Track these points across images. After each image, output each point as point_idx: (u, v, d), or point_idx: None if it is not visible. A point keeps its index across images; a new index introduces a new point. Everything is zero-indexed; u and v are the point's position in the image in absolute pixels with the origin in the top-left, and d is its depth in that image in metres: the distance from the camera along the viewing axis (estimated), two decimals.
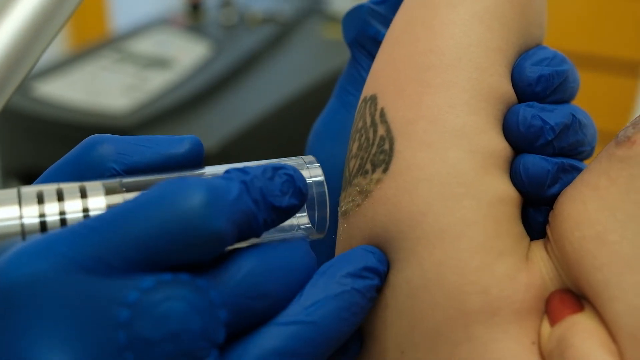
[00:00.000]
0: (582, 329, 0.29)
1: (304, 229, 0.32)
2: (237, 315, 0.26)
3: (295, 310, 0.28)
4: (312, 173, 0.32)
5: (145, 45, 1.53)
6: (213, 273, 0.27)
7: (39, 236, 0.26)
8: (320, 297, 0.28)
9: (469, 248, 0.30)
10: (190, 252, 0.26)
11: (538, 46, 0.36)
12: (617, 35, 1.78)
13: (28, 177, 1.28)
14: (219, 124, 1.25)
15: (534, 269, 0.31)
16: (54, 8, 0.37)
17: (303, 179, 0.29)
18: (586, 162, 0.36)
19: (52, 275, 0.24)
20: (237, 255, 0.28)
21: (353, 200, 0.34)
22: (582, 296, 0.30)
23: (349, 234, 0.34)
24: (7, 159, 1.35)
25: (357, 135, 0.35)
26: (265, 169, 0.29)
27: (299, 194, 0.29)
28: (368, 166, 0.33)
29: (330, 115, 0.41)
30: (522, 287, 0.30)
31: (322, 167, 0.33)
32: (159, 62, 1.44)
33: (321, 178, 0.32)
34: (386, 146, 0.33)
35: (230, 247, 0.28)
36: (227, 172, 0.28)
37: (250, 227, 0.27)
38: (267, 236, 0.29)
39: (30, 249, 0.25)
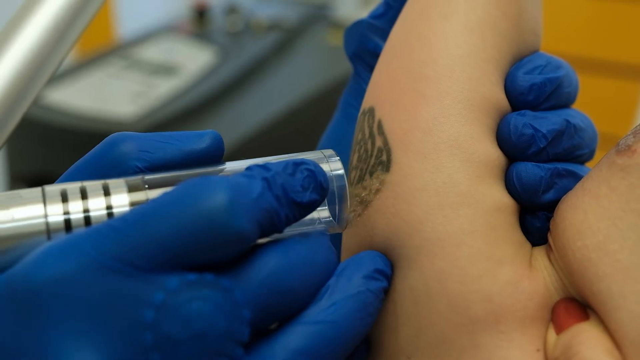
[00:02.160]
0: (588, 337, 0.29)
1: (325, 222, 0.32)
2: (261, 313, 0.27)
3: (316, 311, 0.28)
4: (333, 166, 0.32)
5: (152, 52, 1.54)
6: (236, 272, 0.27)
7: (63, 236, 0.26)
8: (338, 298, 0.28)
9: (469, 256, 0.31)
10: (213, 251, 0.26)
11: (533, 53, 0.37)
12: (619, 40, 1.78)
13: (36, 184, 1.27)
14: (225, 130, 1.25)
15: (538, 278, 0.32)
16: (68, 23, 0.37)
17: (324, 174, 0.30)
18: (588, 164, 0.36)
19: (77, 276, 0.24)
20: (260, 252, 0.28)
21: (354, 210, 0.34)
22: (586, 305, 0.31)
23: (352, 243, 0.35)
24: (15, 166, 1.35)
25: (357, 147, 0.36)
26: (286, 164, 0.29)
27: (320, 189, 0.29)
28: (367, 177, 0.34)
29: (335, 128, 0.42)
30: (526, 295, 0.31)
31: None
32: (165, 69, 1.45)
33: (341, 171, 0.32)
34: (384, 157, 0.33)
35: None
36: (248, 169, 0.28)
37: (273, 224, 0.28)
38: (288, 231, 0.29)
39: (55, 250, 0.25)
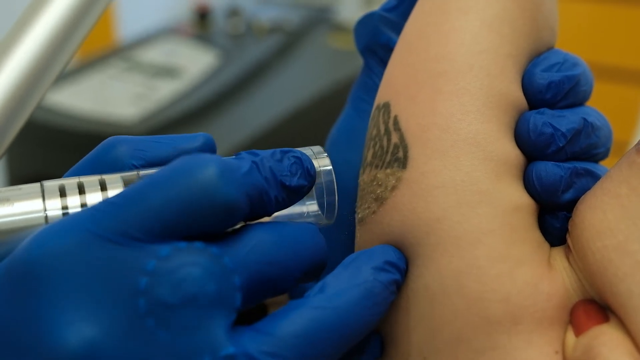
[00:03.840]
0: (608, 339, 0.29)
1: (314, 215, 0.33)
2: (251, 281, 0.27)
3: (319, 297, 0.28)
4: (321, 163, 0.33)
5: (153, 54, 1.54)
6: (226, 242, 0.28)
7: (62, 218, 0.27)
8: (343, 286, 0.29)
9: (487, 256, 0.30)
10: (205, 221, 0.27)
11: (550, 50, 0.36)
12: (622, 45, 1.78)
13: None
14: (227, 133, 1.25)
15: (557, 279, 0.31)
16: (71, 29, 0.37)
17: (310, 162, 0.31)
18: (603, 163, 0.36)
19: (74, 248, 0.25)
20: (249, 228, 0.29)
21: (369, 207, 0.34)
22: (606, 306, 0.30)
23: (366, 240, 0.34)
24: (15, 167, 1.35)
25: (372, 143, 0.35)
26: (274, 152, 0.30)
27: (307, 175, 0.30)
28: (382, 174, 0.34)
29: (345, 122, 0.41)
30: (544, 296, 0.30)
31: (338, 173, 0.33)
32: (167, 71, 1.45)
33: (329, 167, 0.33)
34: (400, 154, 0.33)
35: (243, 224, 0.29)
36: (237, 154, 0.30)
37: (262, 202, 0.29)
38: (278, 217, 0.31)
39: (53, 227, 0.26)
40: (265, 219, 0.30)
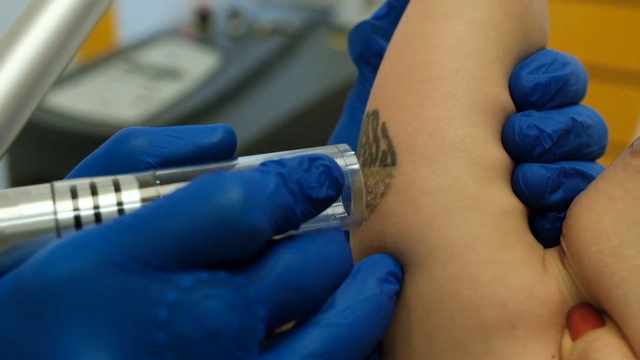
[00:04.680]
0: (605, 344, 0.29)
1: (339, 218, 0.32)
2: (277, 310, 0.26)
3: (332, 313, 0.28)
4: (347, 161, 0.31)
5: (155, 56, 1.54)
6: (250, 269, 0.26)
7: (74, 233, 0.25)
8: (353, 301, 0.28)
9: (479, 261, 0.30)
10: (227, 249, 0.25)
11: (539, 51, 0.36)
12: (621, 46, 1.78)
13: None
14: None
15: (552, 283, 0.31)
16: (72, 29, 0.37)
17: (339, 169, 0.29)
18: (598, 161, 0.35)
19: (89, 273, 0.24)
20: (274, 249, 0.27)
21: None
22: (602, 311, 0.30)
23: (360, 247, 0.34)
24: (16, 169, 1.35)
25: (362, 151, 0.35)
26: (302, 160, 0.28)
27: (335, 185, 0.29)
28: (372, 181, 0.34)
29: (342, 131, 0.41)
30: (540, 301, 0.30)
31: None
32: (168, 73, 1.45)
33: (356, 166, 0.31)
34: (388, 160, 0.33)
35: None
36: (263, 164, 0.28)
37: (288, 221, 0.27)
38: (303, 226, 0.29)
39: (66, 247, 0.25)
40: (292, 233, 0.29)
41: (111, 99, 1.34)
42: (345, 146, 0.32)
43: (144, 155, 0.29)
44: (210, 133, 0.31)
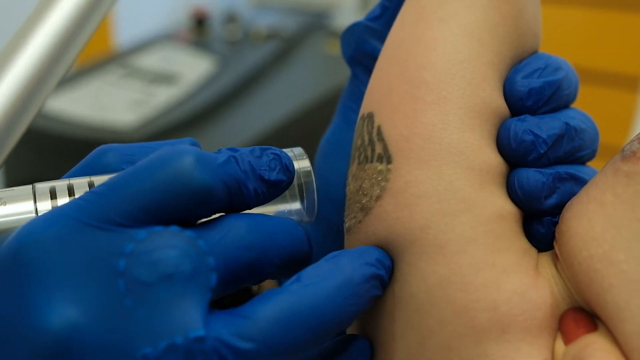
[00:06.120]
0: (597, 349, 0.29)
1: (296, 214, 0.34)
2: (226, 263, 0.28)
3: (294, 285, 0.28)
4: (301, 164, 0.34)
5: (151, 60, 1.54)
6: (202, 228, 0.29)
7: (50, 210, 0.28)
8: (321, 275, 0.29)
9: (471, 264, 0.30)
10: (182, 206, 0.28)
11: (532, 55, 0.36)
12: (616, 50, 1.78)
13: None
14: (224, 139, 1.26)
15: (545, 287, 0.31)
16: (71, 36, 0.38)
17: (289, 158, 0.32)
18: (589, 163, 0.36)
19: (58, 235, 0.26)
20: (226, 215, 0.30)
21: (355, 216, 0.34)
22: (594, 315, 0.30)
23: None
24: (13, 174, 1.35)
25: (357, 154, 0.35)
26: (253, 148, 0.31)
27: (286, 171, 0.31)
28: (367, 184, 0.34)
29: (335, 132, 0.41)
30: (533, 304, 0.30)
31: (329, 184, 0.34)
32: (164, 78, 1.45)
33: (309, 168, 0.34)
34: (384, 163, 0.33)
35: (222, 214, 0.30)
36: (218, 150, 0.30)
37: (241, 193, 0.30)
38: (258, 210, 0.31)
39: (40, 217, 0.27)
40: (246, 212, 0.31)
41: (107, 104, 1.34)
42: (299, 150, 0.34)
43: (119, 164, 0.32)
44: (177, 144, 0.33)
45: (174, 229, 0.27)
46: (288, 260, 0.30)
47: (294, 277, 0.29)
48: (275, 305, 0.27)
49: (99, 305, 0.26)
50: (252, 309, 0.27)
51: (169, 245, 0.27)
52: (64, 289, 0.26)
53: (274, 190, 0.31)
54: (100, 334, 0.26)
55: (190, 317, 0.26)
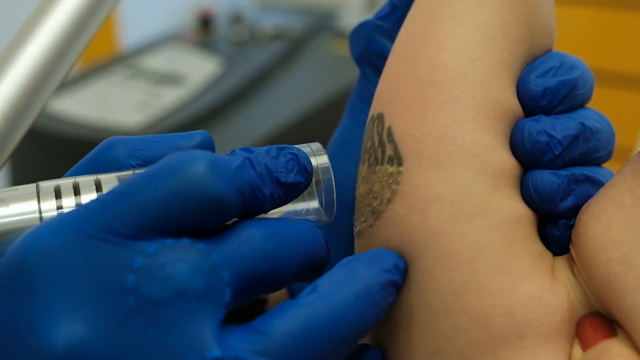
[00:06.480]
0: (616, 355, 0.28)
1: (313, 213, 0.32)
2: (241, 276, 0.27)
3: (310, 296, 0.27)
4: (319, 160, 0.32)
5: (157, 61, 1.54)
6: (215, 238, 0.27)
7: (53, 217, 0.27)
8: (337, 285, 0.28)
9: (487, 270, 0.30)
10: (193, 217, 0.26)
11: (546, 54, 0.35)
12: (623, 50, 1.78)
13: None
14: (231, 140, 1.25)
15: (561, 291, 0.30)
16: (74, 35, 0.38)
17: (307, 158, 0.30)
18: (605, 165, 0.35)
19: (62, 246, 0.25)
20: (240, 223, 0.28)
21: (366, 220, 0.33)
22: (613, 320, 0.30)
23: None
24: (18, 175, 1.35)
25: (367, 156, 0.34)
26: (269, 148, 0.29)
27: (304, 172, 0.30)
28: (377, 186, 0.33)
29: (343, 133, 0.40)
30: (549, 309, 0.30)
31: (338, 187, 0.33)
32: (170, 78, 1.45)
33: (327, 164, 0.32)
34: (395, 166, 0.32)
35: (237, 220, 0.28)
36: (232, 151, 0.29)
37: (256, 199, 0.28)
38: (274, 213, 0.30)
39: (44, 226, 0.26)
40: (262, 217, 0.29)
41: (113, 105, 1.34)
42: (317, 145, 0.33)
43: (127, 159, 0.31)
44: (188, 137, 0.32)
45: (186, 242, 0.26)
46: (305, 267, 0.29)
47: (309, 288, 0.28)
48: (292, 319, 0.26)
49: (106, 323, 0.24)
50: (268, 323, 0.26)
51: (180, 259, 0.25)
52: (69, 304, 0.24)
53: (291, 193, 0.30)
54: (108, 353, 0.24)
55: (205, 337, 0.25)
